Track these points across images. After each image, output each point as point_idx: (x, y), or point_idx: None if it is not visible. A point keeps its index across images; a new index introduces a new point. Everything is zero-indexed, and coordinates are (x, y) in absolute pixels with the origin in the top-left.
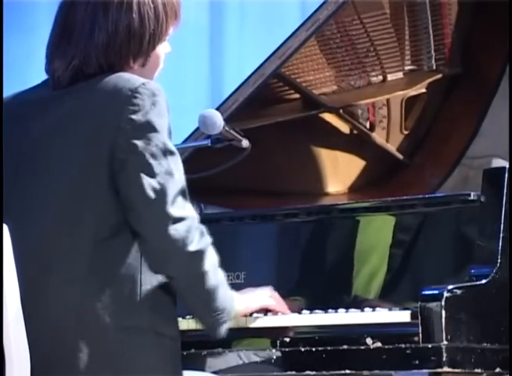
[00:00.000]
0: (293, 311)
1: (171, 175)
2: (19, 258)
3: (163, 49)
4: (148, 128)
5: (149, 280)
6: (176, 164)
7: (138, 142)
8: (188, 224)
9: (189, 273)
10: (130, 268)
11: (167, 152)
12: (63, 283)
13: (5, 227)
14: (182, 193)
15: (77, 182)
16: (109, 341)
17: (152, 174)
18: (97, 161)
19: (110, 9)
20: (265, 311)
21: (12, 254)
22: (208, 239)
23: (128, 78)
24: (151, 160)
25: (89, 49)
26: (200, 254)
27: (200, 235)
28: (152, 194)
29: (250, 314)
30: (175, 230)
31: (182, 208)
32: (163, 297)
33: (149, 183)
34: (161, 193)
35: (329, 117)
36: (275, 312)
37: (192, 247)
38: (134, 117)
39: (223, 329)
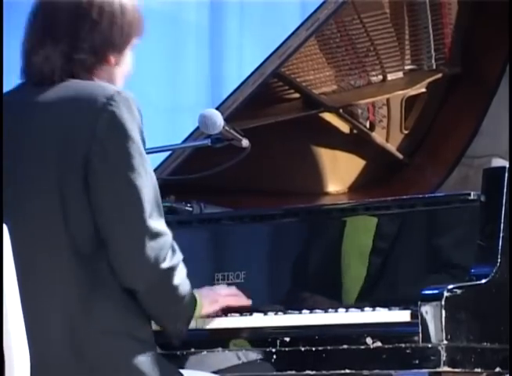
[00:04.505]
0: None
1: (147, 185)
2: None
3: (130, 60)
4: (123, 136)
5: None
6: (151, 174)
7: (114, 151)
8: (163, 241)
9: (158, 289)
10: (107, 275)
11: (143, 161)
12: (49, 289)
13: (5, 227)
14: (158, 204)
15: (53, 190)
16: (93, 346)
17: (128, 183)
18: (72, 168)
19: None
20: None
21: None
22: (180, 255)
23: (103, 86)
24: (127, 170)
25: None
26: (171, 271)
27: (172, 252)
28: (128, 204)
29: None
30: (150, 248)
31: (158, 222)
32: (134, 302)
33: (125, 192)
34: (138, 204)
35: (329, 117)
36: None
37: (164, 265)
38: (109, 124)
39: (184, 334)
